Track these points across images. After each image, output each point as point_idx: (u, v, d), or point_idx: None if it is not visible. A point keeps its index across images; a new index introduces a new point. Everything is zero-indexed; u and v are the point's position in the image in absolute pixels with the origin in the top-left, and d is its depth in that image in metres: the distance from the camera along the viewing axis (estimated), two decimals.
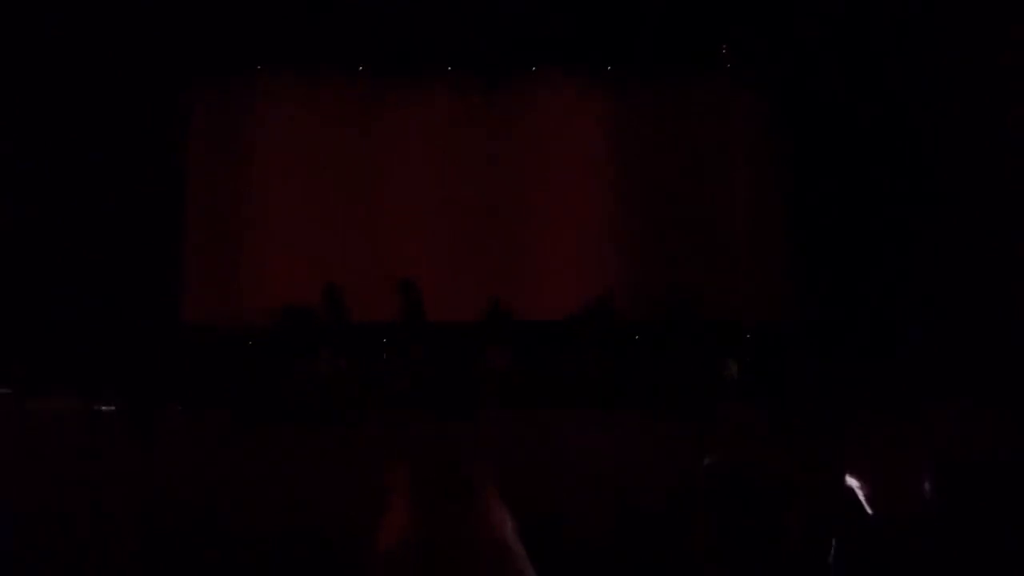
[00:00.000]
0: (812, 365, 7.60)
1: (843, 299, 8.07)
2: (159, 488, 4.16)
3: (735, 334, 8.20)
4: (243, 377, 7.75)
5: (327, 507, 3.59)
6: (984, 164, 7.10)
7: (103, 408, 5.71)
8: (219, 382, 7.62)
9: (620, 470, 4.50)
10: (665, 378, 7.23)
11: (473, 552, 1.45)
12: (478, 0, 8.32)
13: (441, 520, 1.48)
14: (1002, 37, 6.88)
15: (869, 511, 2.31)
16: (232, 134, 9.17)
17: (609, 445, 5.21)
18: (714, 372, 6.99)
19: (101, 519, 3.73)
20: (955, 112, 7.42)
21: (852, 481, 2.36)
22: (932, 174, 7.57)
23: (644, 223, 9.21)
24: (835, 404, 5.24)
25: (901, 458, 2.39)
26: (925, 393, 5.51)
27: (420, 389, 7.50)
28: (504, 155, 9.35)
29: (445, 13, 8.30)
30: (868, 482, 2.33)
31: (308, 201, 9.15)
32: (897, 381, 6.14)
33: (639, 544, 3.35)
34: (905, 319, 7.43)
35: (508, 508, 1.54)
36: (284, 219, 9.05)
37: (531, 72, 9.43)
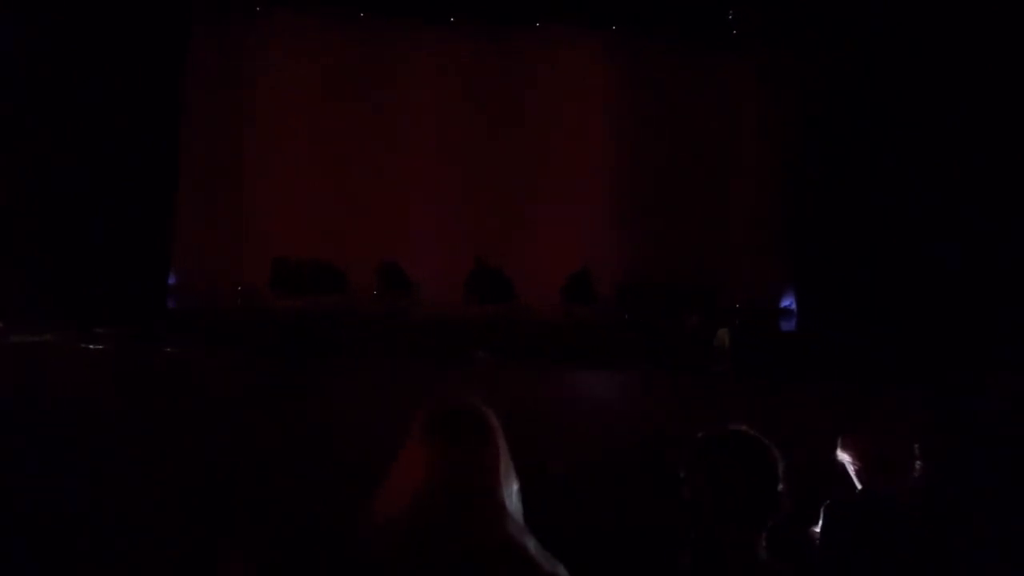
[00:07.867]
0: (805, 340, 7.67)
1: (836, 275, 8.10)
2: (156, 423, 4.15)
3: (728, 305, 8.21)
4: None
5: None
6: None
7: (91, 346, 5.71)
8: (212, 325, 7.60)
9: (608, 424, 4.55)
10: (658, 341, 7.27)
11: (473, 507, 1.51)
12: None
13: (452, 468, 1.53)
14: None
15: (858, 485, 2.35)
16: (230, 75, 9.00)
17: (601, 401, 5.28)
18: (707, 340, 7.02)
19: (91, 452, 3.73)
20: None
21: (843, 456, 2.40)
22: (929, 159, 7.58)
23: (642, 187, 9.16)
24: (828, 378, 5.32)
25: (890, 435, 2.43)
26: (917, 368, 5.59)
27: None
28: (502, 110, 9.23)
29: None
30: (858, 457, 2.37)
31: (305, 145, 9.04)
32: (889, 356, 6.21)
33: (620, 496, 3.41)
34: (897, 297, 7.48)
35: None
36: (280, 163, 8.94)
37: (534, 28, 9.27)
